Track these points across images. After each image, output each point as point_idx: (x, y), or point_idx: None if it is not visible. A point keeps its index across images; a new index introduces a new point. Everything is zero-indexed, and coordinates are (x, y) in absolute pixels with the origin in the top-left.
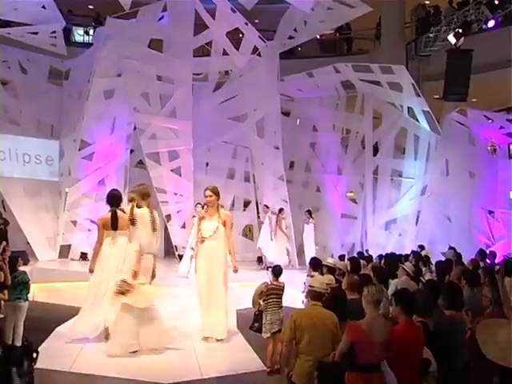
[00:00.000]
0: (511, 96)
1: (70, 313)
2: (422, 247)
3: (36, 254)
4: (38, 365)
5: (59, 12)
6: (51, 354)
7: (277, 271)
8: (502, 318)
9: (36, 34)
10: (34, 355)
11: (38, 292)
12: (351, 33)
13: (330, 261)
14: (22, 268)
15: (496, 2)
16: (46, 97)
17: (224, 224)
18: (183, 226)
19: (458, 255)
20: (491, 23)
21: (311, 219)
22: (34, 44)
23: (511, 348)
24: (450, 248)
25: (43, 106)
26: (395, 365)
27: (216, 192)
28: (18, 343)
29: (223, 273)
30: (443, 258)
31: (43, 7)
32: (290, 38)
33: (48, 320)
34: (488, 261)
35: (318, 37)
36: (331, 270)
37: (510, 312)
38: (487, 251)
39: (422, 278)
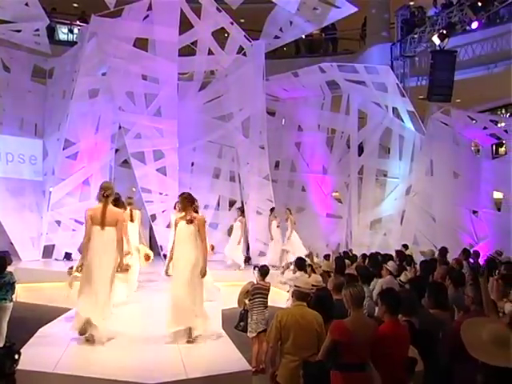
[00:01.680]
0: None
1: (54, 313)
2: (405, 246)
3: (19, 253)
4: (21, 366)
5: (43, 10)
6: (34, 355)
7: (263, 271)
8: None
9: (19, 31)
10: (16, 356)
11: (21, 292)
12: (337, 33)
13: (315, 260)
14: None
15: (479, 4)
16: (29, 95)
17: None
18: (168, 226)
19: (443, 254)
20: (475, 25)
21: (240, 217)
22: (18, 42)
23: (496, 346)
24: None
25: (27, 105)
26: (380, 364)
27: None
28: (1, 344)
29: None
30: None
31: (26, 5)
32: (276, 37)
33: (31, 320)
34: (471, 260)
35: (304, 37)
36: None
37: (490, 313)
38: (471, 251)
39: (398, 280)
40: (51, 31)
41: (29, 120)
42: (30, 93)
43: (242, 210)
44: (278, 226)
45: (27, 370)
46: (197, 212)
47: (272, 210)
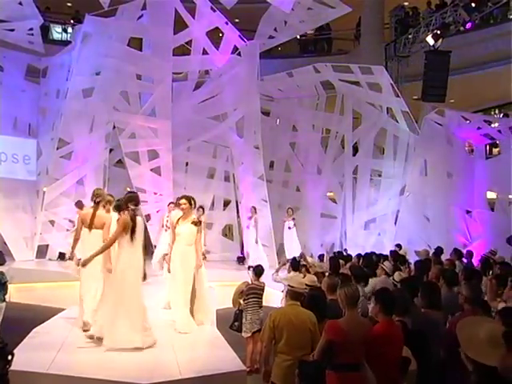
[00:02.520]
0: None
1: (48, 313)
2: (399, 246)
3: (13, 254)
4: (14, 367)
5: (36, 9)
6: (28, 356)
7: (258, 271)
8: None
9: (13, 30)
10: (10, 357)
11: (14, 292)
12: (331, 33)
13: (309, 260)
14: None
15: (473, 5)
16: (23, 95)
17: None
18: (163, 226)
19: (438, 254)
20: (468, 25)
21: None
22: (11, 41)
23: (492, 346)
24: (436, 249)
25: (20, 104)
26: (375, 364)
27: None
28: None
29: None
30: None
31: (20, 3)
32: (271, 37)
33: (25, 321)
34: (465, 260)
35: (298, 37)
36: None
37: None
38: (464, 250)
39: (392, 279)
40: (45, 30)
41: (22, 119)
42: (24, 92)
43: (203, 208)
44: (290, 228)
45: (21, 370)
46: (133, 213)
47: (288, 210)
